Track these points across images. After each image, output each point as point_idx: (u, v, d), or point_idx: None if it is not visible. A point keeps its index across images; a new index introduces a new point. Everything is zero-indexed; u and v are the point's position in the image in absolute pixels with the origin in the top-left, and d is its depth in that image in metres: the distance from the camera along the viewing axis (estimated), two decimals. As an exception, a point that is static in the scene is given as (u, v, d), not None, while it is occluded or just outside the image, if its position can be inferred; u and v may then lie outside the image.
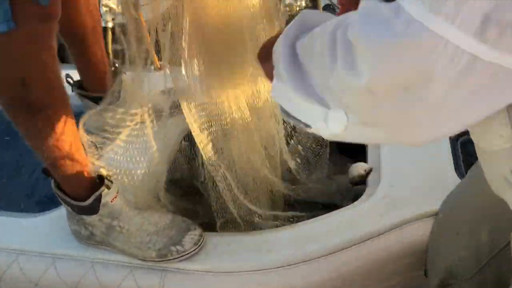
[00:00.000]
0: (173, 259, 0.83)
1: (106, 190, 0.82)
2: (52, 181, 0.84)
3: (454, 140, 1.02)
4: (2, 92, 0.72)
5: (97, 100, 1.09)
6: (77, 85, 1.08)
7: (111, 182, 0.84)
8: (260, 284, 0.83)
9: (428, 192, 0.91)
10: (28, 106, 0.72)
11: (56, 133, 0.76)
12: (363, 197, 0.94)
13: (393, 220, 0.87)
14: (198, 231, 0.86)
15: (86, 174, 0.82)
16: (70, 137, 0.79)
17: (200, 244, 0.85)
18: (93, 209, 0.83)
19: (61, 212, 0.92)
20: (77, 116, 0.80)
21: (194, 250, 0.84)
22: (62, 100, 0.77)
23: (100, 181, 0.82)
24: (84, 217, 0.84)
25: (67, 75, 1.07)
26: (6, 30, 0.64)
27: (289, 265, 0.84)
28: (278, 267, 0.84)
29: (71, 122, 0.79)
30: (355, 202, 0.93)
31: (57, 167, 0.79)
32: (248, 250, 0.86)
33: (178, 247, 0.83)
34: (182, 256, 0.83)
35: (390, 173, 0.96)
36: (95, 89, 1.08)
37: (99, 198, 0.82)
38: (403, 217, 0.88)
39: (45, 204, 1.02)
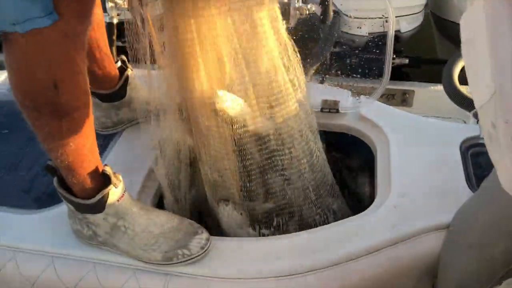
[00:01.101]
0: (179, 262, 0.80)
1: (113, 188, 0.79)
2: (55, 179, 0.81)
3: (464, 151, 1.01)
4: (31, 94, 0.69)
5: (103, 97, 1.07)
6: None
7: (120, 180, 0.81)
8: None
9: (439, 203, 0.90)
10: (56, 109, 0.70)
11: (78, 136, 0.74)
12: (372, 206, 0.93)
13: (404, 231, 0.86)
14: (205, 235, 0.84)
15: (97, 174, 0.79)
16: (90, 139, 0.77)
17: (207, 249, 0.82)
18: (99, 207, 0.80)
19: (62, 209, 0.89)
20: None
21: (200, 254, 0.81)
22: (88, 104, 0.75)
23: (107, 179, 0.79)
24: (88, 216, 0.81)
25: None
26: (50, 23, 0.61)
27: (295, 274, 0.82)
28: (284, 276, 0.82)
29: (91, 125, 0.77)
30: (365, 211, 0.92)
31: (72, 169, 0.77)
32: (255, 257, 0.84)
33: (185, 251, 0.80)
34: (188, 260, 0.81)
35: (400, 183, 0.95)
36: (100, 86, 1.05)
37: (105, 197, 0.79)
38: (414, 229, 0.86)
39: (43, 201, 0.98)
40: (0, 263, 0.86)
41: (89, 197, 0.79)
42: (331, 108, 1.14)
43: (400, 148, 1.03)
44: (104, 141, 1.12)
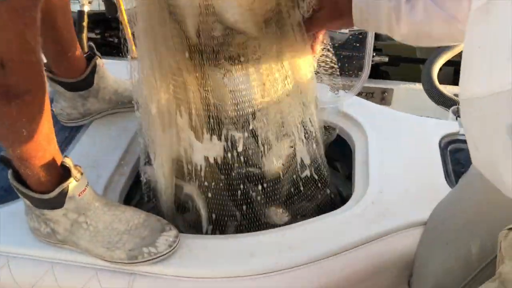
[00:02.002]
0: (144, 261, 0.75)
1: (74, 182, 0.74)
2: (10, 172, 0.75)
3: (444, 147, 1.00)
4: None
5: (68, 86, 1.01)
6: (46, 68, 0.98)
7: (81, 173, 0.75)
8: (237, 292, 0.76)
9: (418, 199, 0.87)
10: (4, 91, 0.63)
11: (32, 121, 0.68)
12: (349, 202, 0.90)
13: (381, 228, 0.83)
14: (173, 232, 0.79)
15: (55, 165, 0.73)
16: (46, 126, 0.70)
17: (175, 247, 0.77)
18: (58, 202, 0.74)
19: (20, 206, 0.82)
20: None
21: (167, 252, 0.76)
22: (42, 87, 0.68)
23: (66, 172, 0.73)
24: (46, 212, 0.75)
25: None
26: None
27: (269, 273, 0.78)
28: (257, 275, 0.77)
29: (48, 110, 0.71)
30: (342, 207, 0.89)
31: (26, 158, 0.70)
32: (226, 255, 0.79)
33: (151, 248, 0.75)
34: (154, 258, 0.75)
35: (378, 179, 0.92)
36: (65, 74, 0.99)
37: (65, 191, 0.73)
38: (391, 225, 0.83)
39: (1, 196, 0.92)
40: (-51, 262, 0.79)
41: (46, 191, 0.73)
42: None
43: (378, 144, 1.00)
44: (71, 133, 1.06)
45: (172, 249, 0.77)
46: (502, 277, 0.50)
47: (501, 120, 0.40)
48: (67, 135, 1.05)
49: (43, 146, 0.70)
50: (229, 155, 0.87)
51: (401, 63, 2.05)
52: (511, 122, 0.39)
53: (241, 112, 0.83)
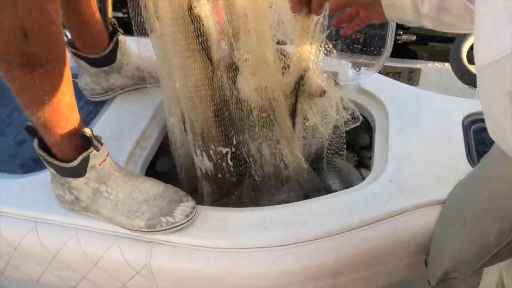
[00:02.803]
0: (162, 230, 0.78)
1: (94, 151, 0.76)
2: (35, 141, 0.78)
3: (467, 126, 0.97)
4: (1, 44, 0.65)
5: (92, 62, 1.03)
6: (70, 43, 1.01)
7: (101, 143, 0.78)
8: (251, 263, 0.78)
9: (437, 179, 0.86)
10: (27, 60, 0.66)
11: (54, 90, 0.70)
12: (368, 179, 0.89)
13: (398, 205, 0.82)
14: (191, 203, 0.81)
15: (77, 135, 0.76)
16: (67, 96, 0.73)
17: (192, 217, 0.79)
18: (80, 171, 0.77)
19: (46, 175, 0.86)
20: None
21: (184, 222, 0.78)
22: (63, 56, 0.71)
23: (87, 142, 0.76)
24: (70, 180, 0.79)
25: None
26: None
27: (284, 245, 0.79)
28: (271, 247, 0.78)
29: (69, 80, 0.73)
30: (360, 184, 0.88)
31: (49, 127, 0.73)
32: (241, 226, 0.81)
33: (169, 218, 0.78)
34: (171, 228, 0.78)
35: (398, 157, 0.91)
36: (89, 50, 1.02)
37: (86, 160, 0.76)
38: (408, 203, 0.83)
39: (30, 166, 0.96)
40: (-17, 226, 0.84)
41: (69, 160, 0.76)
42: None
43: (399, 122, 0.99)
44: (95, 108, 1.09)
45: (189, 220, 0.79)
46: None
47: (503, 86, 0.39)
48: (91, 109, 1.08)
49: (65, 115, 0.72)
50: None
51: (430, 42, 1.98)
52: (509, 89, 0.39)
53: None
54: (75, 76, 1.07)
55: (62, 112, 0.72)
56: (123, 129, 1.01)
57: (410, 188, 0.85)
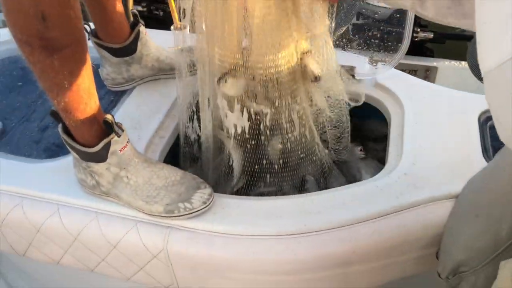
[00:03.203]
0: (180, 216, 0.80)
1: (116, 137, 0.79)
2: (60, 126, 0.81)
3: (483, 122, 0.97)
4: (20, 26, 0.68)
5: (113, 51, 1.06)
6: (93, 33, 1.04)
7: (122, 130, 0.81)
8: (265, 250, 0.79)
9: (452, 173, 0.87)
10: (46, 43, 0.68)
11: (72, 74, 0.72)
12: (382, 172, 0.90)
13: (412, 199, 0.83)
14: (208, 190, 0.83)
15: (97, 120, 0.79)
16: (86, 81, 0.75)
17: (209, 204, 0.82)
18: (101, 156, 0.80)
19: (69, 160, 0.89)
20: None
21: (202, 209, 0.81)
22: (81, 42, 0.73)
23: (109, 128, 0.79)
24: (91, 164, 0.81)
25: (85, 23, 1.03)
26: None
27: (297, 234, 0.80)
28: (285, 235, 0.80)
29: (88, 65, 0.75)
30: (374, 177, 0.89)
31: (69, 111, 0.76)
32: (256, 214, 0.83)
33: (186, 204, 0.80)
34: (189, 213, 0.80)
35: (412, 151, 0.92)
36: (111, 40, 1.04)
37: (108, 146, 0.79)
38: (422, 197, 0.84)
39: (53, 151, 0.99)
40: (8, 207, 0.88)
41: (91, 145, 0.79)
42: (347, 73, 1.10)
43: (415, 117, 0.99)
44: (115, 97, 1.12)
45: (206, 206, 0.81)
46: None
47: (508, 89, 0.41)
48: (112, 98, 1.11)
49: (84, 99, 0.75)
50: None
51: (447, 40, 1.97)
52: None
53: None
54: (97, 66, 1.10)
55: (82, 96, 0.74)
56: (143, 118, 1.04)
57: (424, 182, 0.86)
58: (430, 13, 0.70)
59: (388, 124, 1.04)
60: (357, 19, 1.66)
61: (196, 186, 0.83)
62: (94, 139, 0.79)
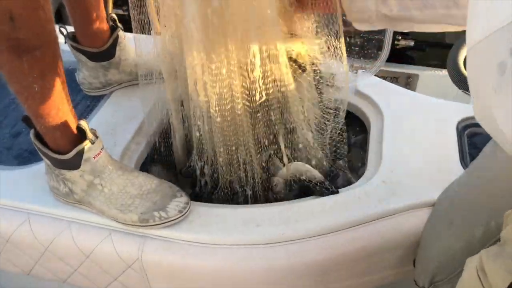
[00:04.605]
0: (155, 225, 0.78)
1: (89, 144, 0.77)
2: (32, 132, 0.78)
3: (461, 130, 0.98)
4: None
5: (91, 56, 1.04)
6: (70, 37, 1.01)
7: (96, 136, 0.78)
8: (242, 259, 0.78)
9: (430, 181, 0.87)
10: (14, 44, 0.66)
11: (43, 78, 0.70)
12: (361, 180, 0.90)
13: (390, 206, 0.83)
14: (184, 198, 0.81)
15: (70, 126, 0.76)
16: (58, 84, 0.73)
17: (185, 213, 0.80)
18: (74, 164, 0.77)
19: (41, 167, 0.87)
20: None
21: (178, 217, 0.79)
22: (52, 44, 0.71)
23: (82, 134, 0.76)
24: (64, 172, 0.79)
25: (61, 26, 1.01)
26: None
27: (275, 243, 0.79)
28: (263, 244, 0.79)
29: (60, 69, 0.73)
30: (353, 185, 0.89)
31: (41, 116, 0.73)
32: (234, 223, 0.81)
33: (162, 213, 0.78)
34: (164, 222, 0.78)
35: (391, 159, 0.92)
36: (89, 43, 1.02)
37: (81, 153, 0.76)
38: (400, 205, 0.83)
39: (25, 158, 0.96)
40: (-25, 217, 0.84)
41: (64, 152, 0.76)
42: (326, 81, 1.10)
43: (394, 124, 0.99)
44: (92, 102, 1.09)
45: (182, 215, 0.79)
46: (503, 240, 0.50)
47: (495, 59, 0.39)
48: (88, 103, 1.09)
49: (56, 104, 0.72)
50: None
51: (428, 48, 2.00)
52: (502, 60, 0.38)
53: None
54: (73, 70, 1.08)
55: (53, 101, 0.71)
56: (119, 124, 1.02)
57: (403, 190, 0.85)
58: (394, 9, 0.70)
59: (367, 131, 1.03)
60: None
61: (172, 195, 0.81)
62: (67, 145, 0.77)
